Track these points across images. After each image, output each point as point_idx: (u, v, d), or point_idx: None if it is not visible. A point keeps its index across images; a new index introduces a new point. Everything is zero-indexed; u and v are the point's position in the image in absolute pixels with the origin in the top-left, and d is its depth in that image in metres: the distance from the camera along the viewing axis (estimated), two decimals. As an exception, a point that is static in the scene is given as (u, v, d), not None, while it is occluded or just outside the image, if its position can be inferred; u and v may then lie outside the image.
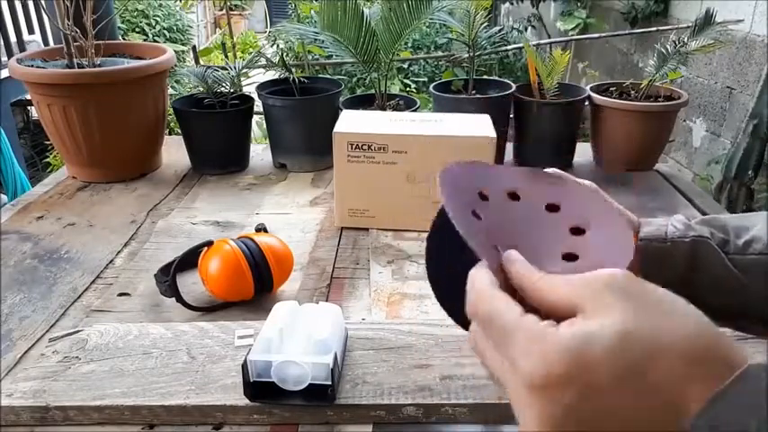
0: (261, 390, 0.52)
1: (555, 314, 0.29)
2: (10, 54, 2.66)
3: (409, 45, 3.83)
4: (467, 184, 0.38)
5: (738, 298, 0.47)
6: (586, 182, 0.48)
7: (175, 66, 1.08)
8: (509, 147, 1.13)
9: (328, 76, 1.46)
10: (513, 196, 0.39)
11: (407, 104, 1.11)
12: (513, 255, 0.33)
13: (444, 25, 1.19)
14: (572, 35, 3.30)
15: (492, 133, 0.82)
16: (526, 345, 0.28)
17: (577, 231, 0.37)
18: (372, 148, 0.82)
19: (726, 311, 0.48)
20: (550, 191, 0.40)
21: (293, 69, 1.12)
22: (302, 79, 1.10)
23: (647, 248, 0.48)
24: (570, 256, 0.36)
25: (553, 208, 0.39)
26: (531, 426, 0.27)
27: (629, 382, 0.26)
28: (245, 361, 0.51)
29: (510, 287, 0.32)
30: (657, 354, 0.26)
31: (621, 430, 0.26)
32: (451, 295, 0.36)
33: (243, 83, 1.16)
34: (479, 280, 0.32)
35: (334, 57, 1.44)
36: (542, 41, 2.80)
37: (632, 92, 1.11)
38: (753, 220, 0.49)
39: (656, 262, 0.47)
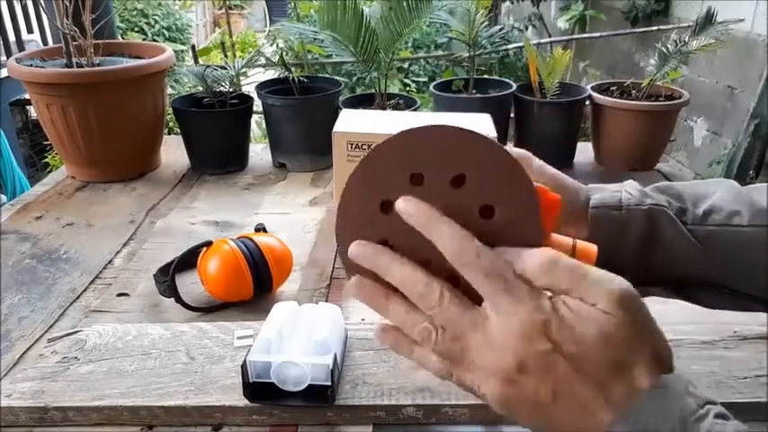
0: (260, 390, 0.51)
1: None
2: (9, 53, 2.66)
3: (409, 44, 3.83)
4: (385, 174, 0.35)
5: (695, 269, 0.46)
6: (515, 150, 0.47)
7: (174, 65, 1.08)
8: (509, 146, 1.13)
9: (328, 76, 1.45)
10: (417, 179, 0.35)
11: (407, 104, 1.11)
12: None
13: (444, 24, 1.19)
14: (568, 28, 3.30)
15: (492, 133, 0.82)
16: None
17: (486, 212, 0.34)
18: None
19: (681, 282, 0.47)
20: (456, 158, 0.34)
21: (293, 69, 1.12)
22: (302, 78, 1.10)
23: (599, 216, 0.46)
24: None
25: (459, 180, 0.34)
26: None
27: None
28: (245, 361, 0.50)
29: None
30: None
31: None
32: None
33: (242, 82, 1.16)
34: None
35: (333, 56, 1.44)
36: (543, 40, 2.80)
37: (633, 91, 1.11)
38: (709, 188, 0.48)
39: (609, 231, 0.46)
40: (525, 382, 0.32)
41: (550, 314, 0.31)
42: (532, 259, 0.32)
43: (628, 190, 0.47)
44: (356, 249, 0.35)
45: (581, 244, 0.41)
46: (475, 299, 0.34)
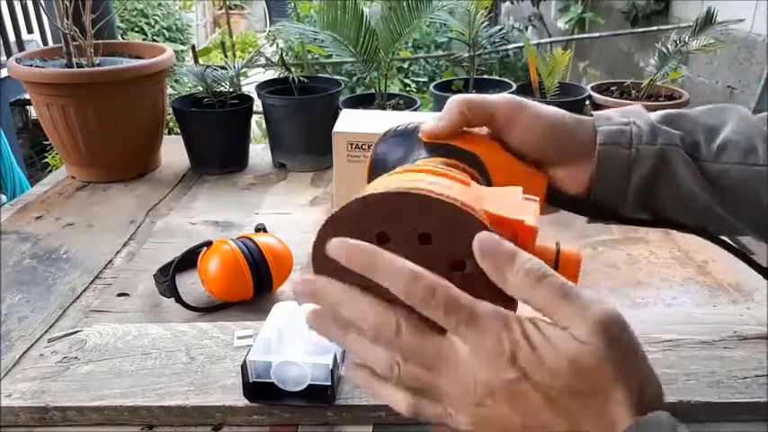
0: (260, 390, 0.51)
1: None
2: (9, 53, 2.66)
3: (409, 44, 3.82)
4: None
5: (700, 209, 0.43)
6: (505, 97, 0.43)
7: (175, 65, 1.08)
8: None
9: (328, 76, 1.45)
10: (383, 238, 0.34)
11: (407, 104, 1.11)
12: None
13: (444, 24, 1.19)
14: (567, 29, 3.30)
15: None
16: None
17: (458, 265, 0.34)
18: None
19: (684, 220, 0.45)
20: (418, 219, 0.34)
21: (293, 69, 1.12)
22: (302, 78, 1.10)
23: (606, 155, 0.42)
24: None
25: (426, 238, 0.34)
26: None
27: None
28: (245, 361, 0.50)
29: None
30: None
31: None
32: None
33: (242, 82, 1.16)
34: None
35: (333, 56, 1.44)
36: (543, 41, 2.80)
37: (633, 91, 1.11)
38: (722, 118, 0.44)
39: (615, 169, 0.42)
40: (495, 408, 0.30)
41: (519, 341, 0.30)
42: (521, 269, 0.31)
43: (637, 123, 0.43)
44: (303, 286, 0.34)
45: (565, 250, 0.39)
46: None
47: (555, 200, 0.46)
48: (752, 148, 0.42)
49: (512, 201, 0.36)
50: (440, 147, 0.44)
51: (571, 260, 0.38)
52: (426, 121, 0.44)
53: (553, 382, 0.29)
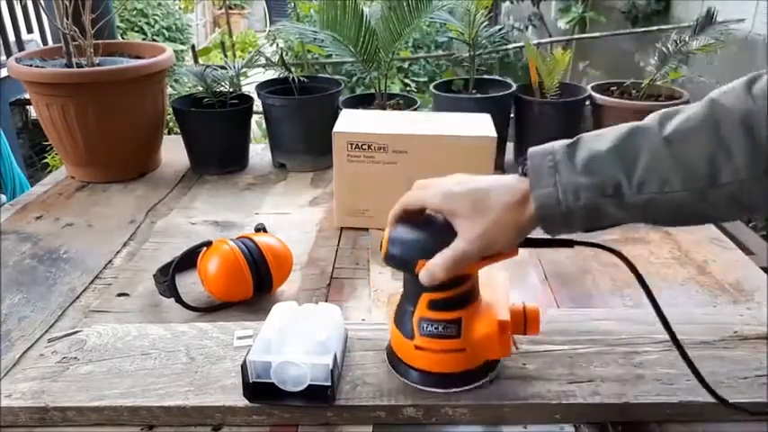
0: (260, 390, 0.51)
1: None
2: (9, 53, 2.65)
3: (409, 44, 3.82)
4: None
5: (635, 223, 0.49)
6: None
7: (174, 65, 1.08)
8: (509, 146, 1.13)
9: (328, 76, 1.45)
10: None
11: (407, 104, 1.11)
12: None
13: (444, 24, 1.19)
14: (568, 29, 3.30)
15: (493, 133, 0.82)
16: None
17: None
18: (372, 147, 0.82)
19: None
20: None
21: (293, 69, 1.12)
22: (302, 78, 1.10)
23: (545, 216, 0.48)
24: None
25: None
26: None
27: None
28: (245, 362, 0.50)
29: None
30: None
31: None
32: None
33: (242, 82, 1.16)
34: None
35: (333, 56, 1.44)
36: (543, 40, 2.80)
37: (633, 91, 1.11)
38: (634, 145, 0.46)
39: (555, 222, 0.48)
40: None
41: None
42: None
43: (562, 182, 0.48)
44: None
45: (529, 306, 0.55)
46: None
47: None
48: (665, 180, 0.44)
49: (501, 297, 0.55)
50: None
51: (533, 313, 0.54)
52: (424, 270, 0.49)
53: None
